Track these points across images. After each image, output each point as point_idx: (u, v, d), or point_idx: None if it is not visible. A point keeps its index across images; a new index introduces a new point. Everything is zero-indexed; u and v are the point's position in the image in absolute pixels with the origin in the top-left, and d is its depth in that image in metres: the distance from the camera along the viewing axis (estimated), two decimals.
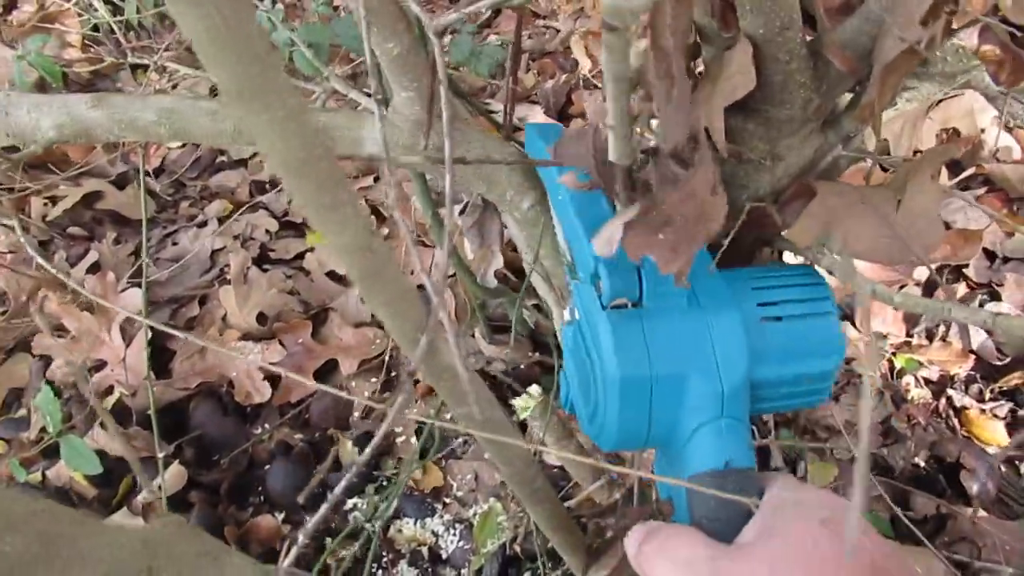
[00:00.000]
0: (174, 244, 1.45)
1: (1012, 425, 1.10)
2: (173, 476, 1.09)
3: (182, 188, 1.59)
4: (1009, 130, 1.37)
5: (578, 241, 0.54)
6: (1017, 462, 1.06)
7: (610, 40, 0.35)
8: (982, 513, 1.00)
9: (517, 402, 0.82)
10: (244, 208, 1.48)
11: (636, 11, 0.29)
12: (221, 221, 1.47)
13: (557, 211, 0.62)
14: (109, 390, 1.22)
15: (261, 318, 1.27)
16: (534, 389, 0.81)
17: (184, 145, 1.63)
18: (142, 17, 1.27)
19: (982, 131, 1.35)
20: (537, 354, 0.95)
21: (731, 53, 0.56)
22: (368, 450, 0.47)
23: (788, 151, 0.63)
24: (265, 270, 1.36)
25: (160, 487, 1.04)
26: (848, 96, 0.64)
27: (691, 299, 0.49)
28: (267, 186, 1.55)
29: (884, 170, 1.09)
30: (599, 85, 1.66)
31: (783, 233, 0.64)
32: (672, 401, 0.47)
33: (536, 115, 1.60)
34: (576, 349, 0.52)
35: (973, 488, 1.02)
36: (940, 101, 1.41)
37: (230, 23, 0.27)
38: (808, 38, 0.57)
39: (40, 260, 0.61)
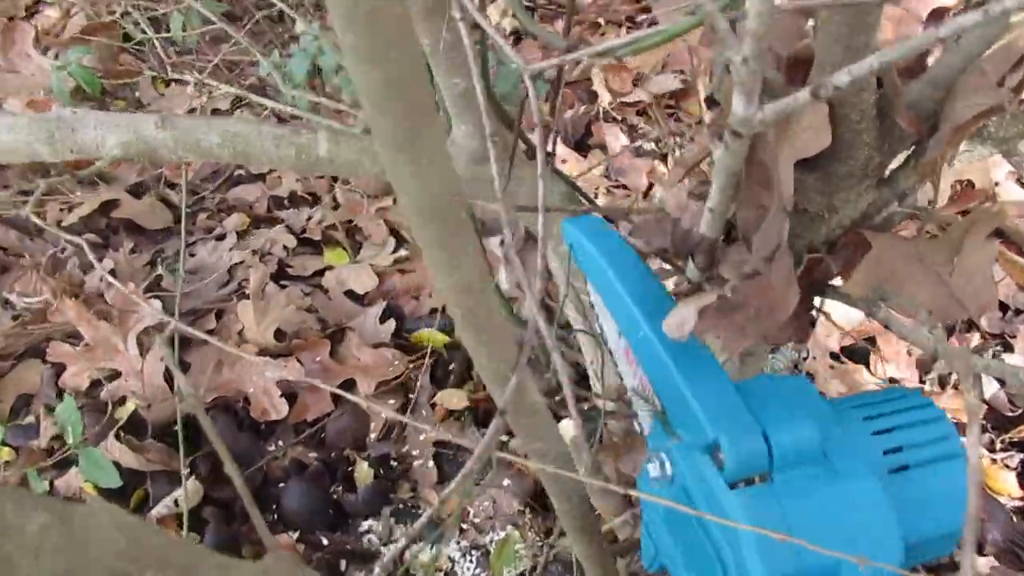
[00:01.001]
0: (191, 256, 1.45)
1: (1023, 476, 1.12)
2: (190, 492, 1.08)
3: (200, 200, 1.59)
4: (1022, 184, 1.40)
5: (677, 396, 0.47)
6: None
7: (733, 143, 0.37)
8: (993, 562, 1.01)
9: None
10: (263, 223, 1.48)
11: (764, 123, 0.31)
12: (239, 235, 1.47)
13: (637, 350, 0.54)
14: (122, 401, 1.22)
15: (279, 335, 1.27)
16: (567, 424, 0.82)
17: None
18: (187, 35, 1.28)
19: (996, 184, 1.38)
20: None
21: (804, 109, 0.58)
22: (453, 487, 0.48)
23: (844, 204, 0.64)
24: (283, 286, 1.36)
25: (177, 502, 1.04)
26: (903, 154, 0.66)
27: (824, 462, 0.43)
28: (285, 202, 1.56)
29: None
30: (618, 118, 1.68)
31: (837, 284, 0.65)
32: None
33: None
34: (681, 518, 0.45)
35: (986, 538, 1.03)
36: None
37: (405, 79, 0.28)
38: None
39: (106, 275, 0.61)
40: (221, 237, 1.47)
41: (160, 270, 1.42)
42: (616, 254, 0.56)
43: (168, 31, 1.25)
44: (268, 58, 1.02)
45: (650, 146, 1.61)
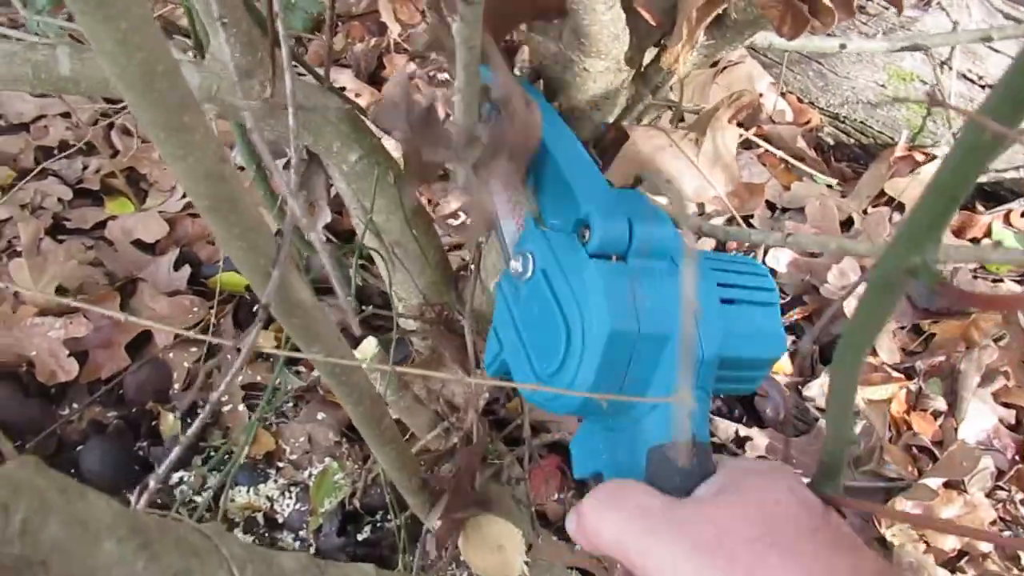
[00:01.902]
0: None
1: (793, 354, 1.24)
2: None
3: None
4: (782, 95, 1.52)
5: (556, 186, 0.51)
6: (800, 387, 1.20)
7: (466, 12, 0.38)
8: (773, 433, 1.12)
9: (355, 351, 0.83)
10: (30, 176, 1.36)
11: None
12: (3, 190, 1.34)
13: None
14: None
15: (61, 292, 1.18)
16: (371, 341, 0.82)
17: None
18: None
19: (760, 96, 1.50)
20: (370, 308, 0.96)
21: None
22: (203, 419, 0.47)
23: (604, 101, 0.68)
24: (61, 241, 1.26)
25: None
26: (654, 51, 0.69)
27: (672, 264, 0.48)
28: (55, 151, 1.43)
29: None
30: (409, 49, 1.66)
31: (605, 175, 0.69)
32: (649, 364, 0.44)
33: (346, 78, 1.58)
34: (533, 302, 0.48)
35: (767, 412, 1.15)
36: (724, 68, 1.54)
37: None
38: None
39: None
40: None
41: None
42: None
43: None
44: None
45: (444, 75, 1.61)
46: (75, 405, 1.11)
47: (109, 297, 1.18)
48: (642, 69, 0.70)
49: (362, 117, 0.80)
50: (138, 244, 1.28)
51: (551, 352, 0.46)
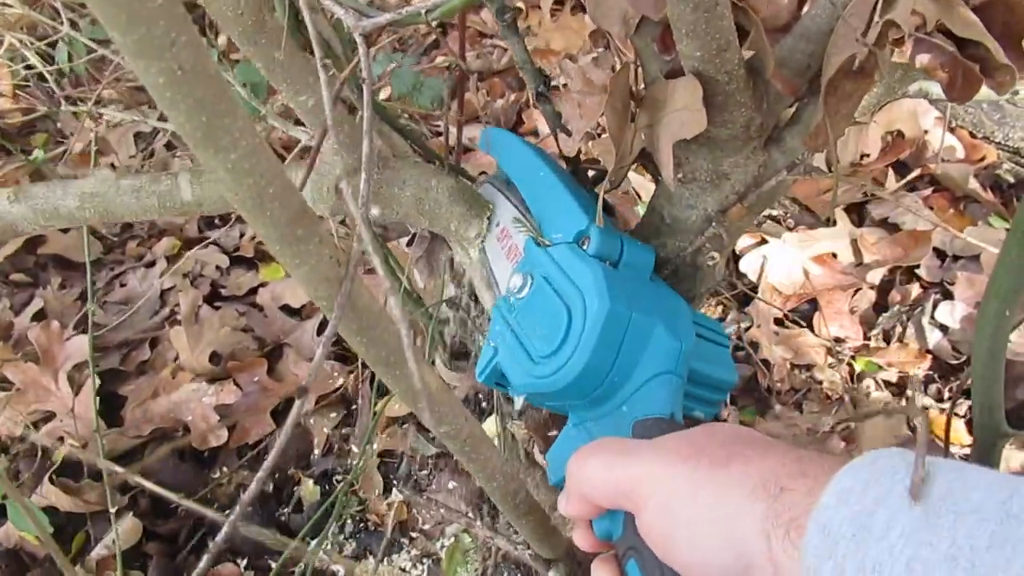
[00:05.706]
0: (122, 286, 1.41)
1: (972, 423, 1.11)
2: (128, 529, 1.05)
3: (129, 227, 1.55)
4: (951, 131, 1.39)
5: (557, 204, 0.60)
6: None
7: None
8: None
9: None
10: (196, 247, 1.45)
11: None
12: (170, 260, 1.43)
13: (521, 184, 0.68)
14: (59, 442, 1.18)
15: (214, 358, 1.24)
16: (491, 420, 0.80)
17: None
18: (75, 65, 1.24)
19: (925, 132, 1.37)
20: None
21: (676, 84, 0.56)
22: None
23: (733, 169, 0.62)
24: (217, 307, 1.33)
25: (114, 541, 1.01)
26: (789, 112, 0.63)
27: (653, 280, 0.59)
28: (216, 221, 1.52)
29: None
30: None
31: None
32: (638, 346, 0.51)
33: None
34: (532, 305, 0.55)
35: None
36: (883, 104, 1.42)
37: (187, 71, 0.27)
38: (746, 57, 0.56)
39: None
40: (151, 264, 1.43)
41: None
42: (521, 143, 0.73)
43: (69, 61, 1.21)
44: None
45: None
46: (225, 468, 1.16)
47: (258, 363, 1.23)
48: (775, 134, 0.64)
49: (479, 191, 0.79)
50: (285, 309, 1.33)
51: (551, 335, 0.51)
